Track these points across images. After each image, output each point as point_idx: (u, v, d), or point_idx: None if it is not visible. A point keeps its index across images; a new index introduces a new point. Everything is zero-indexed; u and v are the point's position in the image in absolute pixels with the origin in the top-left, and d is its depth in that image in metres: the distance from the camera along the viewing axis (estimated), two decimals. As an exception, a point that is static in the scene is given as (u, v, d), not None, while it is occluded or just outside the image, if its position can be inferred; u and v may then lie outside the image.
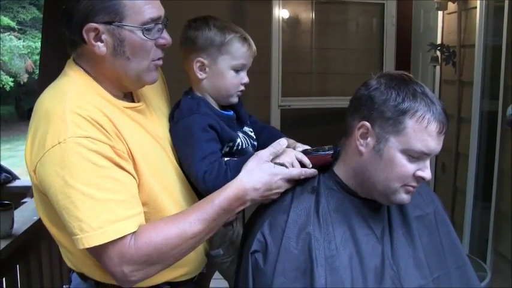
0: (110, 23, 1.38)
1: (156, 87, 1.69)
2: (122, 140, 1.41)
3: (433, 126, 1.38)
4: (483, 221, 3.54)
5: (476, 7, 3.51)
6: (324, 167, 1.57)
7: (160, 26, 1.44)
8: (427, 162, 1.43)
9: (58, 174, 1.31)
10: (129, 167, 1.41)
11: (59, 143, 1.31)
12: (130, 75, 1.46)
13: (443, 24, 4.10)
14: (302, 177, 1.53)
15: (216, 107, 1.70)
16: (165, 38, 1.47)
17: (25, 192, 3.22)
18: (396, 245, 1.49)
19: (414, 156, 1.40)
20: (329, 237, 1.44)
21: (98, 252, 1.35)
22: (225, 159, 1.60)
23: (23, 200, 3.04)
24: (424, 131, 1.38)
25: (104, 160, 1.34)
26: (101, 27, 1.38)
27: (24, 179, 4.15)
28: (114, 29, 1.39)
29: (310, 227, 1.44)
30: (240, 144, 1.68)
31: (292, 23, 4.67)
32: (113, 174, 1.35)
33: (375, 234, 1.49)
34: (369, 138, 1.44)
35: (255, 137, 1.79)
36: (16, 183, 3.80)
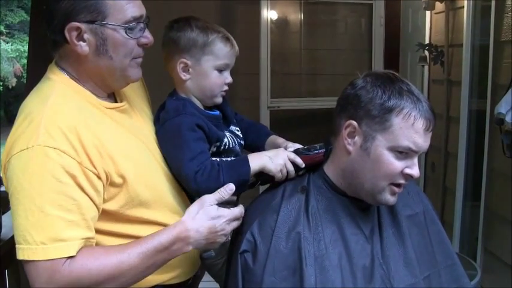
0: (92, 21, 1.37)
1: (136, 89, 1.68)
2: (103, 156, 1.38)
3: (420, 123, 1.39)
4: (473, 220, 3.55)
5: (463, 7, 3.52)
6: (316, 166, 1.58)
7: (142, 25, 1.44)
8: (415, 160, 1.43)
9: (18, 178, 1.31)
10: (91, 190, 1.36)
11: (27, 148, 1.30)
12: (113, 73, 1.45)
13: (431, 24, 4.11)
14: (242, 214, 1.51)
15: (201, 108, 1.69)
16: (147, 37, 1.47)
17: (13, 196, 3.19)
18: (386, 244, 1.49)
19: (402, 153, 1.40)
20: (318, 237, 1.44)
21: (29, 265, 1.31)
22: (213, 159, 1.60)
23: (12, 205, 3.01)
24: (410, 128, 1.38)
25: (65, 176, 1.31)
26: (83, 26, 1.37)
27: (12, 183, 4.10)
28: (97, 28, 1.38)
29: (300, 226, 1.44)
30: (227, 143, 1.68)
31: (281, 24, 4.68)
32: (70, 193, 1.32)
33: (364, 234, 1.49)
34: (356, 137, 1.44)
35: (241, 136, 1.79)
36: (4, 187, 3.76)
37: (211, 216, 1.45)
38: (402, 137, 1.39)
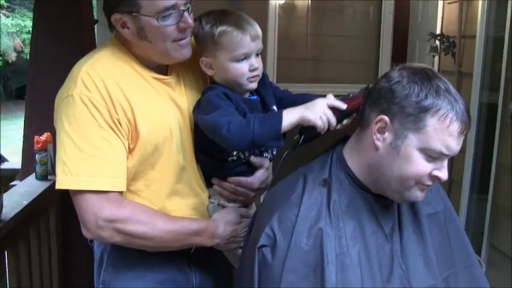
0: (130, 12, 1.54)
1: (194, 67, 1.73)
2: (124, 108, 1.56)
3: (455, 126, 1.33)
4: (478, 214, 3.52)
5: (478, -3, 3.47)
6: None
7: (179, 11, 1.55)
8: (445, 162, 1.38)
9: (61, 120, 1.56)
10: (121, 135, 1.56)
11: (68, 96, 1.55)
12: (156, 54, 1.62)
13: (443, 14, 4.05)
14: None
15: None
16: (186, 22, 1.57)
17: (13, 175, 3.13)
18: (406, 243, 1.45)
19: (432, 156, 1.35)
20: (340, 233, 1.38)
21: (78, 199, 1.54)
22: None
23: (12, 183, 2.94)
24: (445, 130, 1.32)
25: (100, 120, 1.53)
26: (124, 16, 1.56)
27: (12, 161, 4.04)
28: (134, 18, 1.55)
29: (322, 222, 1.38)
30: None
31: (289, 9, 4.62)
32: (105, 135, 1.54)
33: (384, 232, 1.44)
34: (386, 133, 1.38)
35: None
36: (4, 165, 3.69)
37: (235, 222, 1.72)
38: (435, 138, 1.33)
